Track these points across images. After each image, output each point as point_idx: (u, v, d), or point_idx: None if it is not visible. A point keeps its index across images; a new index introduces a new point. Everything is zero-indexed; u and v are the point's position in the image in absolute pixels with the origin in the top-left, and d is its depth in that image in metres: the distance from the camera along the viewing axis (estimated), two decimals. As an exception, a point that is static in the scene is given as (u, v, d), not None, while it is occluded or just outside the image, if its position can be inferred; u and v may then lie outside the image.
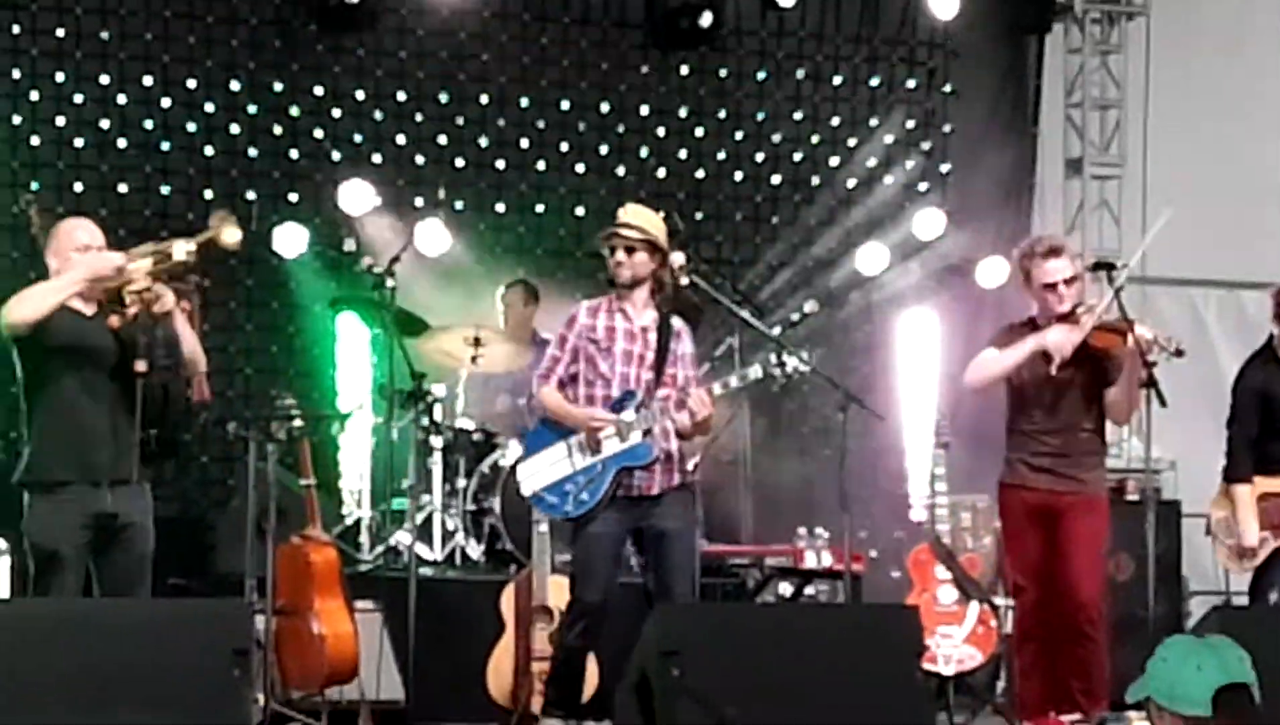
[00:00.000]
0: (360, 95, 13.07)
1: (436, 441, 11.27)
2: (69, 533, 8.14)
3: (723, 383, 9.14)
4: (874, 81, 13.99)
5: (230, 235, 8.38)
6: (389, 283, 10.68)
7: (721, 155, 13.74)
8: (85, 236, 8.35)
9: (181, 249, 8.20)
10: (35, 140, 12.48)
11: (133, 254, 8.26)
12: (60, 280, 8.16)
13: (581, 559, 9.04)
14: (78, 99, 12.54)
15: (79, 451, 8.20)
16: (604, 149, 13.50)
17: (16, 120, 12.44)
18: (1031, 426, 9.40)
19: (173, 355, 8.31)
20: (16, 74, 12.46)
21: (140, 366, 8.07)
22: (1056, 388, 9.31)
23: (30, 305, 8.08)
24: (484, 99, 13.30)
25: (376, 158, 13.03)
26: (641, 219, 9.17)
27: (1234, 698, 4.54)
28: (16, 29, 12.47)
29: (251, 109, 12.87)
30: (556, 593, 9.75)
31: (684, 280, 10.13)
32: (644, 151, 13.58)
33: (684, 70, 13.70)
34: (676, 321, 9.28)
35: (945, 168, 14.10)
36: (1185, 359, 9.27)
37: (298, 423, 9.67)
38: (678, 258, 10.17)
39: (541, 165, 13.38)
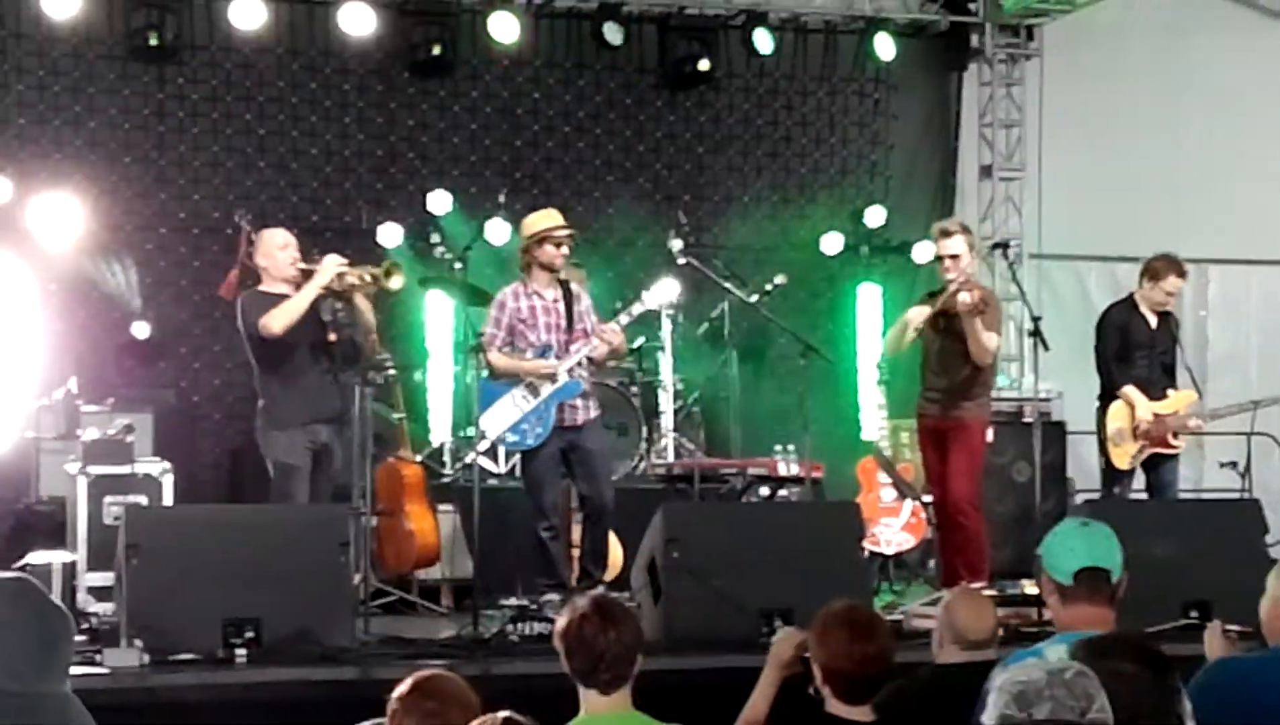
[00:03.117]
0: (441, 125, 13.07)
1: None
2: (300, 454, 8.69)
3: (627, 314, 9.27)
4: (833, 109, 13.94)
5: (395, 282, 8.92)
6: (459, 266, 10.73)
7: (717, 166, 13.72)
8: (282, 240, 8.95)
9: (367, 272, 8.81)
10: (196, 162, 12.54)
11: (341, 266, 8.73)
12: (304, 294, 8.60)
13: (536, 473, 9.19)
14: (228, 131, 12.61)
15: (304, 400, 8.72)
16: (628, 164, 13.49)
17: (182, 148, 12.51)
18: (929, 371, 9.64)
19: (353, 324, 8.80)
20: (180, 113, 12.52)
21: (331, 336, 8.67)
22: (941, 342, 9.49)
23: (286, 316, 8.54)
24: (536, 127, 13.29)
25: (455, 172, 13.02)
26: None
27: (1090, 577, 4.55)
28: (181, 80, 12.52)
29: (360, 136, 12.91)
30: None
31: (681, 261, 10.20)
32: (658, 165, 13.57)
33: (688, 104, 13.68)
34: (574, 285, 9.39)
35: (888, 174, 14.07)
36: (1073, 316, 9.34)
37: (391, 371, 9.75)
38: (677, 244, 10.20)
39: (580, 177, 13.37)
